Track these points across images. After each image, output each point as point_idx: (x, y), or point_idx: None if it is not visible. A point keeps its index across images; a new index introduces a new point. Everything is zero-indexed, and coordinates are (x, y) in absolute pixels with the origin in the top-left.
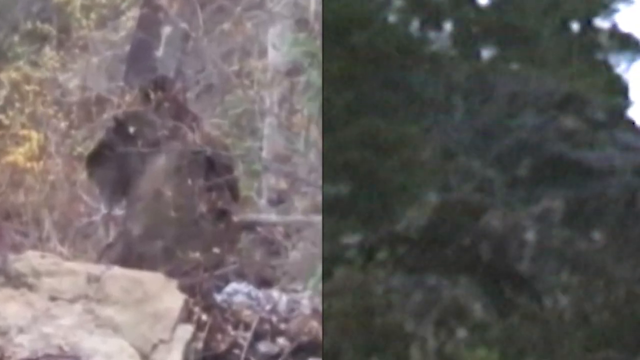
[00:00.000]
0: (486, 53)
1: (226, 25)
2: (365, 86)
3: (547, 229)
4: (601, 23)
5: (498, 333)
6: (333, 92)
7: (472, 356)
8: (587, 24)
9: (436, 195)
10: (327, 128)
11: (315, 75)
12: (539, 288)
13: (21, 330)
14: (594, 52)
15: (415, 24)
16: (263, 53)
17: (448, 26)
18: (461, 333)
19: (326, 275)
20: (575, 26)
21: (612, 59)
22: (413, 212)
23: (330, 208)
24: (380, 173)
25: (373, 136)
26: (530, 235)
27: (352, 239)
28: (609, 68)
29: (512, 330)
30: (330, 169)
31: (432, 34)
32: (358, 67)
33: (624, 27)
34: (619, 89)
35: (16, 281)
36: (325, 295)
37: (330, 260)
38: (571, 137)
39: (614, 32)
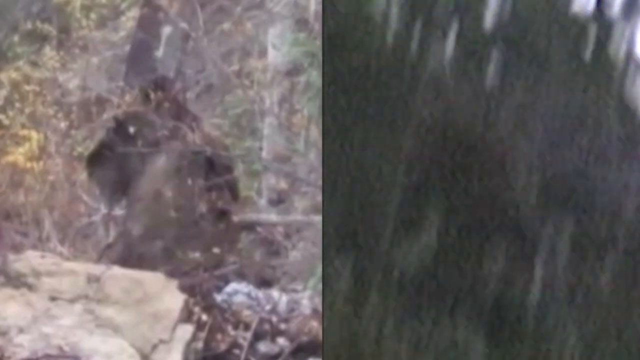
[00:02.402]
0: (491, 73)
1: (226, 25)
2: (357, 108)
3: (554, 263)
4: (614, 36)
5: None
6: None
7: None
8: (600, 45)
9: (433, 226)
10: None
11: (315, 75)
12: (545, 326)
13: (21, 330)
14: (606, 70)
15: (414, 42)
16: (263, 53)
17: (450, 43)
18: None
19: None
20: (587, 51)
21: (623, 72)
22: (411, 242)
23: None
24: (371, 198)
25: (366, 158)
26: (536, 272)
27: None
28: (619, 82)
29: None
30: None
31: (433, 51)
32: (356, 88)
33: (637, 42)
34: (634, 107)
35: (16, 281)
36: None
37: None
38: (580, 164)
39: (627, 45)
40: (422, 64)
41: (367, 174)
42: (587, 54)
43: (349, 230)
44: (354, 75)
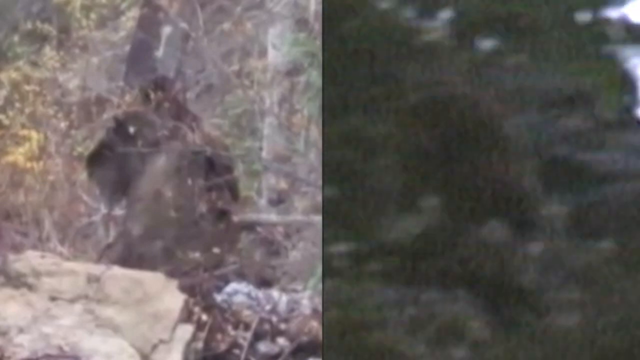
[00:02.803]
0: (485, 45)
1: (226, 25)
2: (355, 80)
3: (552, 238)
4: (610, 13)
5: (499, 352)
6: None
7: None
8: (595, 14)
9: (433, 199)
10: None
11: (315, 75)
12: (543, 304)
13: (21, 330)
14: (602, 45)
15: (409, 12)
16: (263, 53)
17: (445, 15)
18: (460, 353)
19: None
20: (582, 16)
21: (623, 52)
22: (408, 219)
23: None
24: (370, 175)
25: (360, 135)
26: (533, 245)
27: (341, 247)
28: (618, 62)
29: (514, 350)
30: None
31: (427, 23)
32: (348, 60)
33: (635, 17)
34: (630, 85)
35: (16, 281)
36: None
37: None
38: (577, 137)
39: (624, 23)
40: (416, 56)
41: (365, 165)
42: (582, 23)
43: (347, 219)
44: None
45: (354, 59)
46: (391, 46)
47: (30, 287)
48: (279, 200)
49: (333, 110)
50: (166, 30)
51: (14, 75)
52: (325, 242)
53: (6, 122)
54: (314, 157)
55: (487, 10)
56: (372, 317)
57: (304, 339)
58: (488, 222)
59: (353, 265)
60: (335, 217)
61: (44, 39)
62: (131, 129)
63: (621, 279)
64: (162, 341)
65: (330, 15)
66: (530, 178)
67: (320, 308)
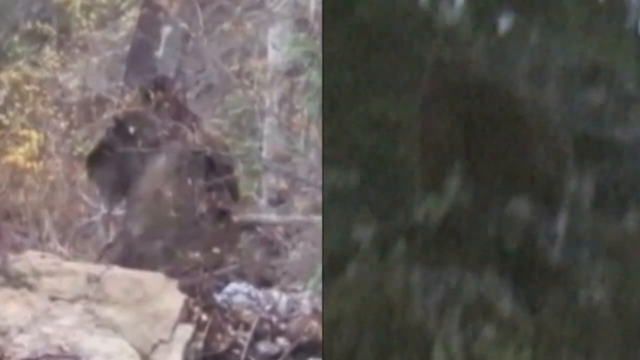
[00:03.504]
0: (503, 23)
1: (226, 25)
2: (372, 64)
3: (577, 213)
4: None
5: (528, 329)
6: (337, 71)
7: (500, 356)
8: None
9: (456, 180)
10: (330, 110)
11: (315, 75)
12: (570, 280)
13: (21, 330)
14: (623, 17)
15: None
16: (263, 53)
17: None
18: (488, 331)
19: (339, 272)
20: None
21: None
22: (431, 200)
23: (337, 199)
24: (393, 157)
25: (382, 117)
26: (559, 222)
27: (364, 232)
28: (638, 36)
29: (544, 326)
30: (336, 155)
31: (444, 4)
32: (363, 43)
33: None
34: None
35: (16, 281)
36: (338, 294)
37: (342, 257)
38: (598, 111)
39: None
40: (434, 37)
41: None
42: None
43: (370, 199)
44: (367, 43)
45: (373, 46)
46: (411, 29)
47: (30, 287)
48: (279, 200)
49: (354, 95)
50: (166, 30)
51: (14, 75)
52: (346, 227)
53: (6, 122)
54: (314, 157)
55: None
56: (398, 299)
57: (304, 339)
58: (513, 200)
59: (379, 248)
60: (361, 200)
61: (44, 39)
62: (131, 129)
63: None
64: (162, 341)
65: (332, 12)
66: (554, 154)
67: (320, 308)
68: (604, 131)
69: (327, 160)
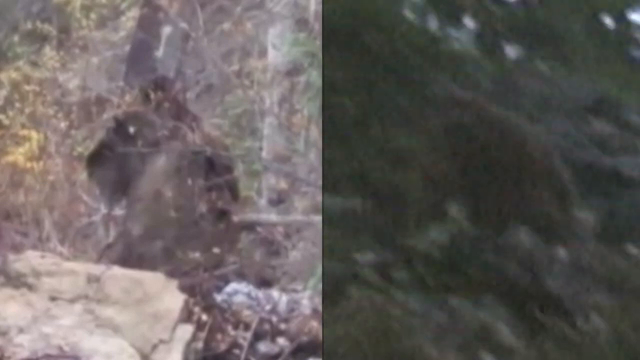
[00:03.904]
0: (512, 52)
1: (226, 25)
2: (378, 90)
3: (579, 243)
4: (637, 17)
5: (527, 358)
6: (340, 97)
7: None
8: (621, 19)
9: (459, 208)
10: (334, 136)
11: (315, 75)
12: (571, 309)
13: (21, 330)
14: (629, 49)
15: (434, 21)
16: (263, 53)
17: (470, 23)
18: (487, 359)
19: (340, 296)
20: (608, 21)
21: None
22: (435, 227)
23: (341, 223)
24: (397, 185)
25: (388, 144)
26: (561, 252)
27: (366, 257)
28: None
29: (542, 356)
30: (338, 181)
31: (452, 32)
32: (370, 69)
33: None
34: None
35: (16, 281)
36: (339, 318)
37: (344, 280)
38: (605, 142)
39: None
40: (442, 64)
41: (392, 176)
42: (607, 29)
43: (370, 224)
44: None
45: (380, 74)
46: (418, 55)
47: (30, 287)
48: (279, 200)
49: (360, 120)
50: (166, 30)
51: (14, 75)
52: (352, 251)
53: (6, 122)
54: (314, 157)
55: (511, 18)
56: (399, 325)
57: (304, 339)
58: (514, 228)
59: (380, 274)
60: (363, 226)
61: (44, 39)
62: (131, 129)
63: None
64: (162, 341)
65: (332, 17)
66: (559, 184)
67: (320, 308)
68: (608, 161)
69: (328, 187)
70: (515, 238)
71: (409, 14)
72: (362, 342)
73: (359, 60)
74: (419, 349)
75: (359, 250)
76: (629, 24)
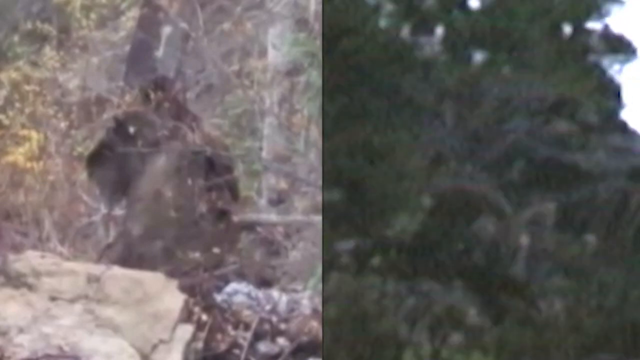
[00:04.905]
0: (477, 58)
1: (226, 25)
2: (357, 93)
3: (540, 233)
4: (593, 25)
5: (492, 338)
6: (329, 98)
7: None
8: (579, 27)
9: (428, 200)
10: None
11: (315, 75)
12: (532, 292)
13: (21, 330)
14: (585, 55)
15: (406, 30)
16: (263, 53)
17: (439, 31)
18: (455, 338)
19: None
20: (566, 29)
21: (604, 61)
22: (405, 217)
23: (325, 214)
24: (372, 180)
25: (364, 143)
26: (523, 240)
27: (345, 245)
28: (601, 71)
29: (506, 335)
30: (327, 175)
31: (423, 39)
32: (350, 73)
33: (616, 29)
34: (611, 91)
35: (16, 281)
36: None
37: (326, 266)
38: (564, 140)
39: (606, 34)
40: (413, 69)
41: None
42: (566, 36)
43: (348, 218)
44: (354, 74)
45: (358, 78)
46: (391, 60)
47: (30, 287)
48: (279, 200)
49: (337, 120)
50: (166, 30)
51: (14, 75)
52: (328, 240)
53: (6, 122)
54: (314, 157)
55: (475, 26)
56: (375, 307)
57: (304, 339)
58: (479, 219)
59: (356, 261)
60: (340, 217)
61: (44, 39)
62: (131, 129)
63: (602, 270)
64: (162, 341)
65: (331, 21)
66: (518, 175)
67: (320, 308)
68: (566, 157)
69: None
70: (480, 228)
71: (383, 23)
72: (341, 322)
73: (341, 65)
74: (393, 329)
75: (337, 239)
76: (585, 31)
